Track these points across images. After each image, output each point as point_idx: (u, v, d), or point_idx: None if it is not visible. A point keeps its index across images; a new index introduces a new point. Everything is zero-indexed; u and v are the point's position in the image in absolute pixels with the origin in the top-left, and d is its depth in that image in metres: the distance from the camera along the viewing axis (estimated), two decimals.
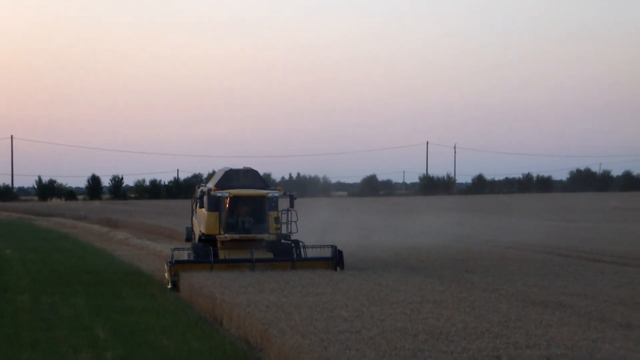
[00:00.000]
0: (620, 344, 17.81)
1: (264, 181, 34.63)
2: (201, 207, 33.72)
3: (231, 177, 33.83)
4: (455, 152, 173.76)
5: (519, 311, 22.01)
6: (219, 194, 32.74)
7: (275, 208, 33.31)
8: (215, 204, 32.87)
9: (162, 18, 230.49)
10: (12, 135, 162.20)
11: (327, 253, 32.42)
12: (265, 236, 32.57)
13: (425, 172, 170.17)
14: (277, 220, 33.09)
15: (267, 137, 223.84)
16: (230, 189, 33.05)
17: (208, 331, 22.77)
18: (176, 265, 30.99)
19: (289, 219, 33.58)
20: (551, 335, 18.76)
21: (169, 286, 30.90)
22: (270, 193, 33.06)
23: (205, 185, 35.07)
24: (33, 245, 52.65)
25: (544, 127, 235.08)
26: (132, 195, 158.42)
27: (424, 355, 16.72)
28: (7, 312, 26.05)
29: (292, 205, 33.39)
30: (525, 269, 32.79)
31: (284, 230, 33.43)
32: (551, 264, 34.37)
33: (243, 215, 32.82)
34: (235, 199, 32.76)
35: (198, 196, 34.37)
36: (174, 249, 32.32)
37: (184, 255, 32.81)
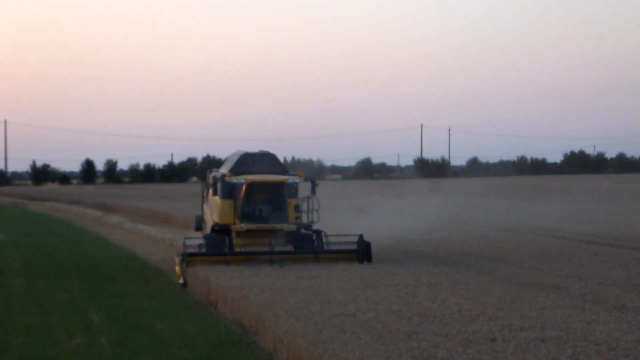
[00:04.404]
0: (615, 325, 17.82)
1: (283, 166, 32.22)
2: (214, 194, 31.31)
3: (247, 162, 31.43)
4: (449, 135, 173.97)
5: (513, 293, 22.02)
6: (234, 180, 30.26)
7: (296, 195, 30.84)
8: (229, 191, 30.56)
9: (155, 2, 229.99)
10: (5, 120, 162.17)
11: (353, 243, 29.92)
12: (285, 226, 30.00)
13: (420, 154, 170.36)
14: (297, 208, 30.59)
15: (261, 120, 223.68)
16: (246, 174, 30.64)
17: (202, 315, 22.76)
18: (189, 258, 28.61)
19: (310, 207, 30.97)
20: (546, 317, 18.76)
21: (181, 281, 28.33)
22: (290, 179, 30.49)
23: (218, 171, 32.65)
24: (27, 230, 52.56)
25: (538, 109, 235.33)
26: (126, 180, 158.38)
27: (419, 337, 16.72)
28: (1, 296, 25.99)
29: (313, 191, 31.01)
30: (520, 251, 32.80)
31: (304, 220, 30.89)
32: (545, 246, 34.37)
33: (260, 203, 30.43)
34: (251, 186, 30.32)
35: (211, 182, 32.16)
36: (186, 239, 30.15)
37: (195, 247, 30.22)
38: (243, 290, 22.83)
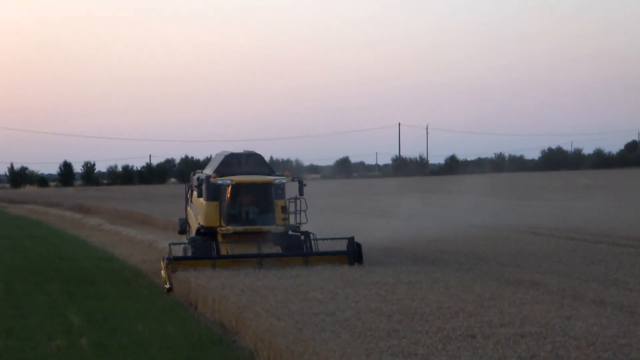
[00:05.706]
0: (594, 321, 17.92)
1: (269, 166, 31.36)
2: (199, 196, 30.33)
3: (232, 162, 30.56)
4: (427, 133, 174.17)
5: (492, 290, 22.10)
6: (219, 181, 29.32)
7: (283, 196, 30.02)
8: (215, 193, 29.64)
9: (132, 4, 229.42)
10: None
11: (343, 245, 29.26)
12: (272, 228, 29.14)
13: (397, 153, 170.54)
14: (284, 209, 29.78)
15: (238, 120, 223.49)
16: (231, 175, 29.77)
17: (183, 316, 22.75)
18: (174, 262, 27.64)
19: (298, 208, 30.12)
20: (525, 313, 18.85)
21: (167, 286, 27.30)
22: (277, 179, 29.64)
23: (202, 172, 31.92)
24: (5, 233, 52.37)
25: (515, 107, 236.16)
26: (105, 181, 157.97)
27: (399, 335, 16.77)
28: None
29: (301, 192, 30.04)
30: (499, 248, 32.91)
31: (292, 221, 30.02)
32: (524, 243, 34.50)
33: (247, 205, 29.57)
34: (237, 187, 29.45)
35: (195, 184, 31.10)
36: (172, 244, 29.53)
37: (180, 251, 29.90)
38: (223, 290, 22.83)
